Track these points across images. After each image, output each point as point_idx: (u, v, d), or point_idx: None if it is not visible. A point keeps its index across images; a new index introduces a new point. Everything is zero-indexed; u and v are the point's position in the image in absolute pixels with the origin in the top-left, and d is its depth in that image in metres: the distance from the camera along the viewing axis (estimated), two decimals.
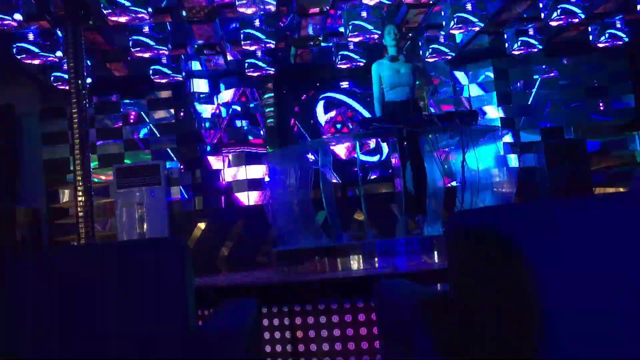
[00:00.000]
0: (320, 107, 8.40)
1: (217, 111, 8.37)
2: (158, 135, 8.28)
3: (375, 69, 5.07)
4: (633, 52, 8.14)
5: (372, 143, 7.93)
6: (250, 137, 8.34)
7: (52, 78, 7.40)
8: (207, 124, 8.32)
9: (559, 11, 6.47)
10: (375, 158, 8.31)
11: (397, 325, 1.78)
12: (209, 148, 8.26)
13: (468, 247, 1.52)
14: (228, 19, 6.57)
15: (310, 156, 5.33)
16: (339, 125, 8.42)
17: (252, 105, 8.42)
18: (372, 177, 8.21)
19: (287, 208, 5.14)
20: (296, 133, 8.39)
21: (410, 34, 7.15)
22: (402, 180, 4.86)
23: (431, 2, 6.19)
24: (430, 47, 7.41)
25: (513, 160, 8.15)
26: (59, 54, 6.40)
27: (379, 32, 6.58)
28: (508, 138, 7.97)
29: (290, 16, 6.60)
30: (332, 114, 8.41)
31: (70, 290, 1.65)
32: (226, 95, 8.41)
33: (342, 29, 6.80)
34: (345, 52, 7.33)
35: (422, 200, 4.88)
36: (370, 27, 6.43)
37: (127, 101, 8.30)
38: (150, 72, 7.40)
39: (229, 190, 8.20)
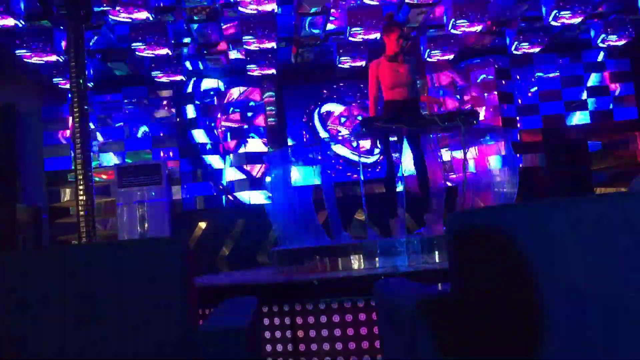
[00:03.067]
0: (317, 122, 8.40)
1: (218, 110, 8.37)
2: (159, 135, 8.28)
3: (373, 68, 5.05)
4: (634, 52, 8.13)
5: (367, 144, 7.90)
6: (251, 137, 8.34)
7: (53, 77, 7.41)
8: (208, 123, 8.32)
9: (560, 10, 6.46)
10: (371, 159, 8.26)
11: (398, 325, 1.77)
12: (209, 147, 8.26)
13: (469, 247, 1.52)
14: (229, 18, 6.57)
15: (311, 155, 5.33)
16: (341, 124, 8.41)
17: (253, 104, 8.41)
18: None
19: (288, 207, 5.14)
20: (295, 133, 8.39)
21: (413, 34, 7.15)
22: (403, 179, 4.87)
23: (432, 2, 6.19)
24: (432, 46, 7.40)
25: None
26: (60, 53, 6.41)
27: (380, 32, 6.58)
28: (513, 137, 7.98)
29: (291, 15, 6.60)
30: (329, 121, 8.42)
31: (69, 289, 1.65)
32: (227, 94, 8.40)
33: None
34: (347, 51, 7.33)
35: (427, 198, 4.89)
36: (371, 27, 6.43)
37: (128, 100, 8.30)
38: (152, 71, 7.41)
39: (230, 189, 8.20)
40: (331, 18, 6.73)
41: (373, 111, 5.05)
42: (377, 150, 7.90)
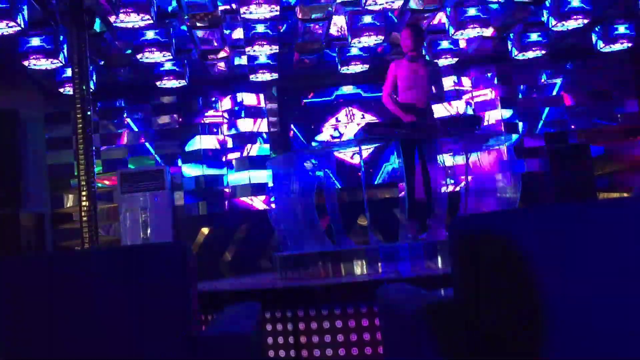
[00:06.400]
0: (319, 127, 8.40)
1: (221, 116, 8.38)
2: (162, 140, 8.29)
3: (392, 68, 5.05)
4: (637, 57, 8.13)
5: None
6: (254, 142, 8.34)
7: (56, 83, 7.42)
8: (211, 128, 8.33)
9: (562, 16, 6.45)
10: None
11: (401, 331, 1.77)
12: (212, 153, 8.27)
13: (472, 252, 1.52)
14: (232, 24, 6.59)
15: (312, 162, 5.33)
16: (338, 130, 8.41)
17: (255, 109, 8.42)
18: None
19: (291, 213, 5.14)
20: (293, 139, 8.39)
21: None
22: (406, 185, 4.86)
23: (435, 7, 6.20)
24: (434, 51, 7.41)
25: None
26: (63, 59, 6.42)
27: (383, 37, 6.59)
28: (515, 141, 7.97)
29: (293, 22, 6.62)
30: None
31: (73, 294, 1.65)
32: (229, 100, 8.42)
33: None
34: (349, 58, 7.33)
35: (431, 204, 4.89)
36: (373, 33, 6.44)
37: (131, 106, 8.32)
38: (154, 77, 7.42)
39: (233, 195, 8.21)
40: (333, 24, 6.74)
41: (392, 105, 4.99)
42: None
